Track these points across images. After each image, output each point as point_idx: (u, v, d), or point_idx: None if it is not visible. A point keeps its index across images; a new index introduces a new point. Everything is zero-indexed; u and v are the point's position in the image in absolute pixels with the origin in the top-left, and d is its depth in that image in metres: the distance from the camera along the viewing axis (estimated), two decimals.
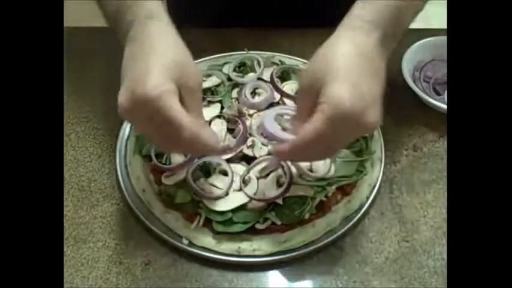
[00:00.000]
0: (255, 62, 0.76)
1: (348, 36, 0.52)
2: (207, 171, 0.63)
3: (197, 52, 0.80)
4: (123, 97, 0.50)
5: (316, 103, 0.49)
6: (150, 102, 0.48)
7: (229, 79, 0.74)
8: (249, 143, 0.66)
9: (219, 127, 0.67)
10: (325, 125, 0.48)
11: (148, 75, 0.48)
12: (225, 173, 0.63)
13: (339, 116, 0.47)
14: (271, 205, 0.61)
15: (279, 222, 0.60)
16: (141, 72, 0.49)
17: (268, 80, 0.73)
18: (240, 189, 0.61)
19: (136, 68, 0.50)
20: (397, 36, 0.56)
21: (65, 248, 0.61)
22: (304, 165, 0.63)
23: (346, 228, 0.62)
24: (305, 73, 0.53)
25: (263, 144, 0.64)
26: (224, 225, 0.60)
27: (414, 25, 0.59)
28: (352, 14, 0.54)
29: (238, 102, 0.71)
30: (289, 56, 0.80)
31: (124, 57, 0.53)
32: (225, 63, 0.77)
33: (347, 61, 0.50)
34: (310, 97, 0.51)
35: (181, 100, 0.51)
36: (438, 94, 0.76)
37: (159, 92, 0.48)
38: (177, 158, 0.64)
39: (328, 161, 0.64)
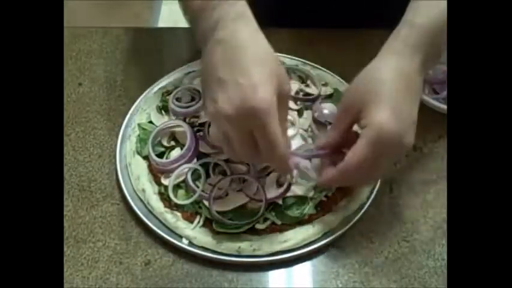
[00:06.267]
0: None
1: (391, 60, 0.55)
2: (207, 171, 0.63)
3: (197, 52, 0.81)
4: (229, 105, 0.49)
5: (357, 122, 0.54)
6: (258, 115, 0.48)
7: None
8: None
9: None
10: (368, 148, 0.51)
11: (257, 87, 0.48)
12: (224, 173, 0.63)
13: (381, 139, 0.51)
14: (271, 205, 0.61)
15: (279, 222, 0.61)
16: (248, 83, 0.48)
17: None
18: (240, 189, 0.61)
19: (237, 76, 0.49)
20: (437, 56, 0.57)
21: (65, 248, 0.61)
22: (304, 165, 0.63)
23: (346, 228, 0.62)
24: (348, 92, 0.57)
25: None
26: (224, 225, 0.60)
27: None
28: (397, 36, 0.56)
29: None
30: (289, 56, 0.80)
31: (212, 59, 0.52)
32: None
33: (390, 86, 0.53)
34: (350, 115, 0.55)
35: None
36: (437, 94, 0.76)
37: (268, 105, 0.48)
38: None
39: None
